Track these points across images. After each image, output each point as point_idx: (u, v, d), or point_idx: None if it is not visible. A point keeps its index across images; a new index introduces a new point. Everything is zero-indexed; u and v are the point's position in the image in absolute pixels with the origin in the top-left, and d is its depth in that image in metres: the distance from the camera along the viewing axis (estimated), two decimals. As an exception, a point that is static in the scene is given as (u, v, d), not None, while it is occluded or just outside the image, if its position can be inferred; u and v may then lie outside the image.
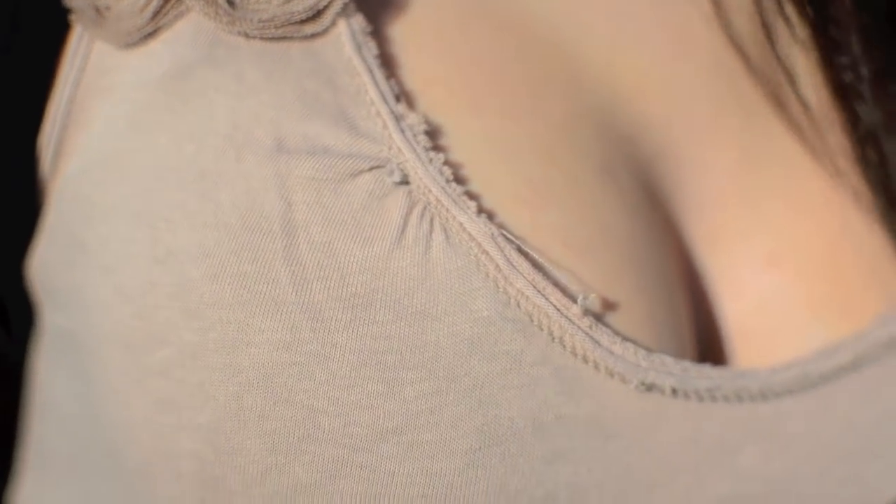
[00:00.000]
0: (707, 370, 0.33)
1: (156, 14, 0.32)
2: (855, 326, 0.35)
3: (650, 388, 0.32)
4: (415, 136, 0.32)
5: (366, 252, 0.31)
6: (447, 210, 0.32)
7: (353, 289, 0.31)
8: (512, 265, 0.31)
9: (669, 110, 0.35)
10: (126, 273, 0.32)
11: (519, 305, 0.31)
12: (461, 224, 0.31)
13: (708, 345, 0.36)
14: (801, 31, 0.33)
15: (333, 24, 0.32)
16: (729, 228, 0.36)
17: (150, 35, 0.33)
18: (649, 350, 0.33)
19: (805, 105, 0.34)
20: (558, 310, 0.32)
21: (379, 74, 0.32)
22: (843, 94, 0.33)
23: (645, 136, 0.35)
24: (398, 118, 0.32)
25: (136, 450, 0.32)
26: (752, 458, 0.34)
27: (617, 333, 0.32)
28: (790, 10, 0.33)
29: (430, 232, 0.31)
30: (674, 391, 0.33)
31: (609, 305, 0.33)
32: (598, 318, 0.32)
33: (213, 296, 0.31)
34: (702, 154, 0.36)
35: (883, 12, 0.31)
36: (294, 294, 0.31)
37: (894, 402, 0.35)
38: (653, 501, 0.33)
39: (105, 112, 0.33)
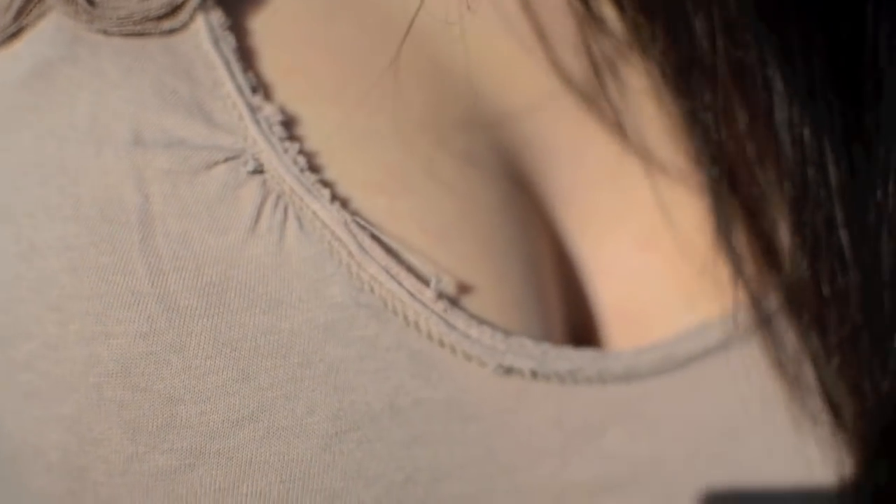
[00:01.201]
0: (567, 353, 0.33)
1: (19, 14, 0.33)
2: (725, 309, 0.35)
3: (509, 371, 0.33)
4: (270, 126, 0.32)
5: (220, 242, 0.31)
6: (301, 199, 0.32)
7: (208, 278, 0.31)
8: (365, 251, 0.32)
9: (536, 99, 0.36)
10: None
11: (373, 291, 0.32)
12: (314, 212, 0.32)
13: (585, 328, 0.36)
14: (617, 28, 0.33)
15: (192, 19, 0.33)
16: (600, 213, 0.36)
17: (14, 35, 0.33)
18: (508, 333, 0.33)
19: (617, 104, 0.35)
20: (412, 294, 0.32)
21: (236, 67, 0.33)
22: (656, 93, 0.34)
23: (512, 125, 0.35)
24: (254, 110, 0.32)
25: (8, 444, 0.33)
26: (618, 440, 0.34)
27: (473, 317, 0.32)
28: (604, 9, 0.33)
29: (284, 220, 0.32)
30: (533, 374, 0.33)
31: (466, 289, 0.33)
32: (454, 301, 0.32)
33: (73, 288, 0.31)
34: (572, 142, 0.36)
35: (683, 9, 0.31)
36: (150, 285, 0.31)
37: (762, 382, 0.35)
38: (516, 484, 0.33)
39: None
